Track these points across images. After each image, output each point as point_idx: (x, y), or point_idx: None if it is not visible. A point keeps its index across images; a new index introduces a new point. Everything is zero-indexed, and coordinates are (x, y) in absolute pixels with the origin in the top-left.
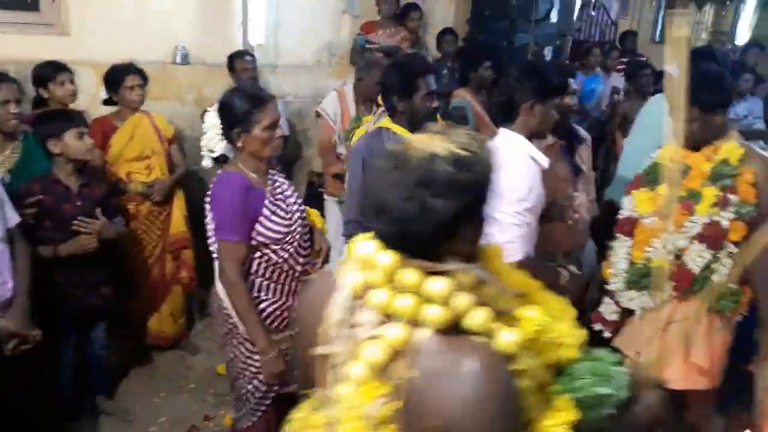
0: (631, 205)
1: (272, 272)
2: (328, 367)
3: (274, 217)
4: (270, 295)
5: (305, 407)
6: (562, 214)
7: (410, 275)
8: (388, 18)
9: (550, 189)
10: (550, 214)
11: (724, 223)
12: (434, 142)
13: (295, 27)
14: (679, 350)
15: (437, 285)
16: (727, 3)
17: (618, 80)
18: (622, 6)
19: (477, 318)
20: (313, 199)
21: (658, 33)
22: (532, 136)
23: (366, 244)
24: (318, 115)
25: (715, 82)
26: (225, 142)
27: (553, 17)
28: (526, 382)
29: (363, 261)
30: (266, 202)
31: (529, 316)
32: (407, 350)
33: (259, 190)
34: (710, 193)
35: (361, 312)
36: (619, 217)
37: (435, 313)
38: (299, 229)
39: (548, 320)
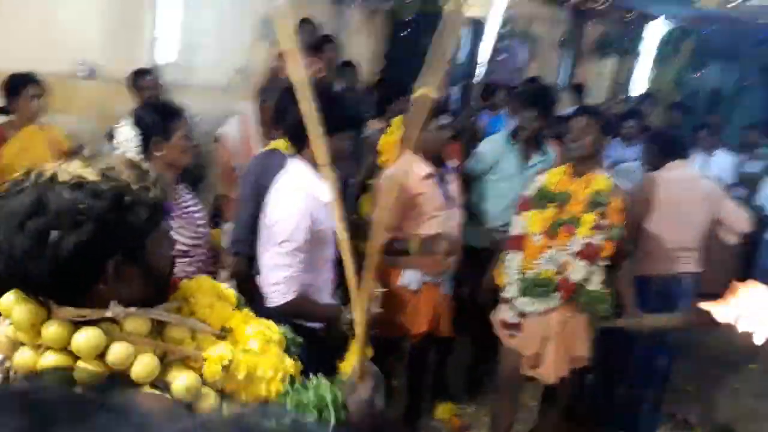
0: (523, 224)
1: None
2: None
3: (180, 230)
4: None
5: None
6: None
7: (52, 328)
8: (306, 48)
9: (432, 213)
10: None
11: (599, 243)
12: (65, 167)
13: (209, 48)
14: (570, 347)
15: (82, 337)
16: (625, 56)
17: None
18: (530, 53)
19: (141, 367)
20: (221, 220)
21: (562, 79)
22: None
23: (8, 295)
24: (215, 140)
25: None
26: (141, 156)
27: (461, 60)
28: None
29: (6, 313)
30: (173, 215)
31: (214, 355)
32: None
33: (167, 203)
34: (589, 219)
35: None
36: (511, 234)
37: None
38: (204, 245)
39: (242, 355)
